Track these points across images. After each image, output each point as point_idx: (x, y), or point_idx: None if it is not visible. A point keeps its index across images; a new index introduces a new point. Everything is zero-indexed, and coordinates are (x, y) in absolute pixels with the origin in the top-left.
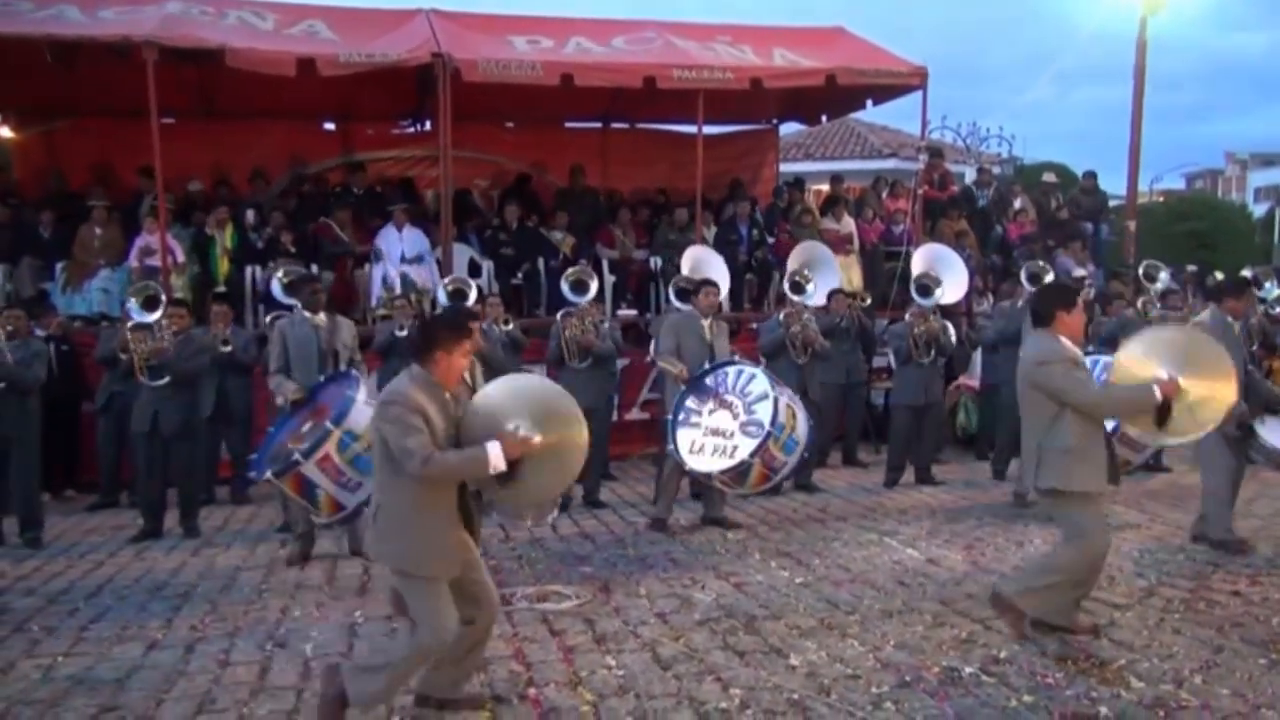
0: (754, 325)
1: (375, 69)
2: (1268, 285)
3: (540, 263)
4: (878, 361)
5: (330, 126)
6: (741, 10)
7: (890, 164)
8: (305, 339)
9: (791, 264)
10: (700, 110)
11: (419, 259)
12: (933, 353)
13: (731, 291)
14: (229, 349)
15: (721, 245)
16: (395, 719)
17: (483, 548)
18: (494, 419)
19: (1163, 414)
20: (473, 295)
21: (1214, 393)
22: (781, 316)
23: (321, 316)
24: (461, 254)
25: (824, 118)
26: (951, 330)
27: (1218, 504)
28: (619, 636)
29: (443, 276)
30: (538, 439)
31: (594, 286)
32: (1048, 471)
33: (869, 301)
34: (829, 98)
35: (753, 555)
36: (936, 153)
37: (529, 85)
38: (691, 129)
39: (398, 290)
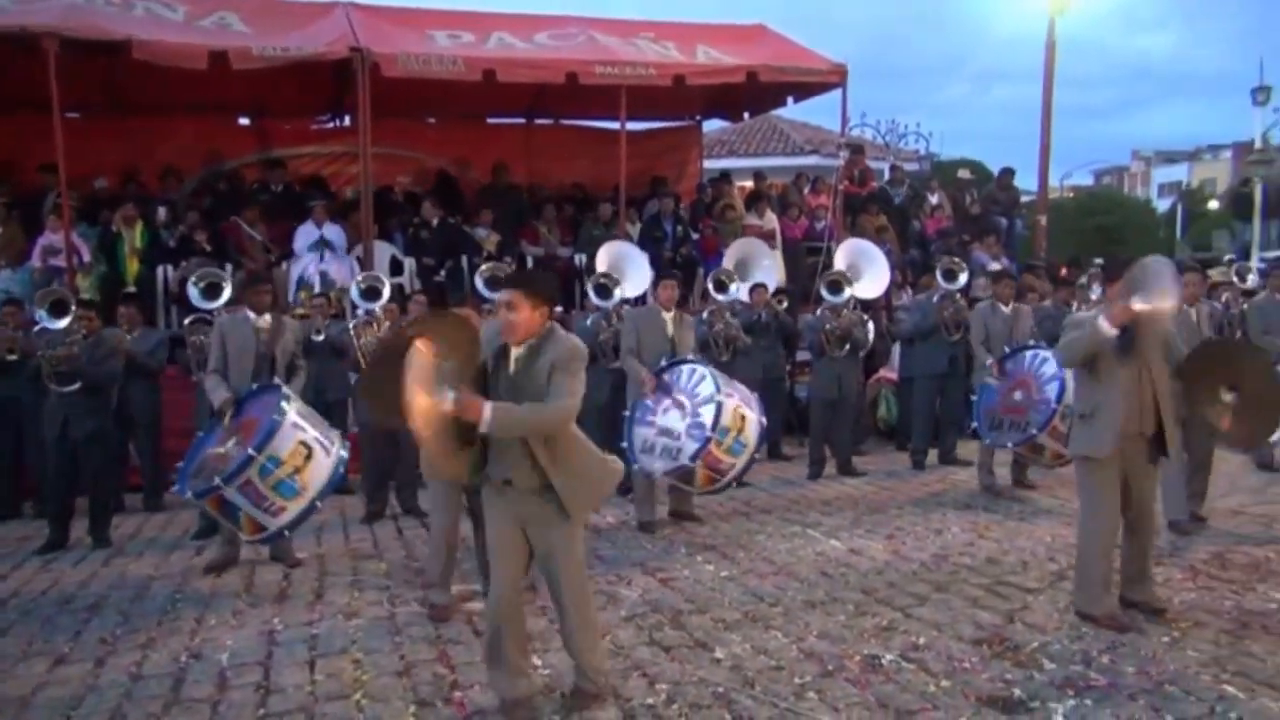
0: None
1: (291, 63)
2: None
3: (464, 260)
4: (802, 355)
5: (246, 122)
6: (664, 7)
7: (812, 160)
8: (245, 340)
9: (728, 261)
10: (623, 106)
11: (338, 257)
12: (846, 347)
13: (655, 288)
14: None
15: (646, 242)
16: None
17: (406, 549)
18: None
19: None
20: (386, 293)
21: None
22: (705, 315)
23: (266, 318)
24: (383, 252)
25: (747, 114)
26: (871, 324)
27: (1171, 486)
28: (545, 635)
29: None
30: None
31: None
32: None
33: (785, 303)
34: (751, 95)
35: (679, 550)
36: (857, 149)
37: (450, 81)
38: (615, 125)
39: (317, 289)
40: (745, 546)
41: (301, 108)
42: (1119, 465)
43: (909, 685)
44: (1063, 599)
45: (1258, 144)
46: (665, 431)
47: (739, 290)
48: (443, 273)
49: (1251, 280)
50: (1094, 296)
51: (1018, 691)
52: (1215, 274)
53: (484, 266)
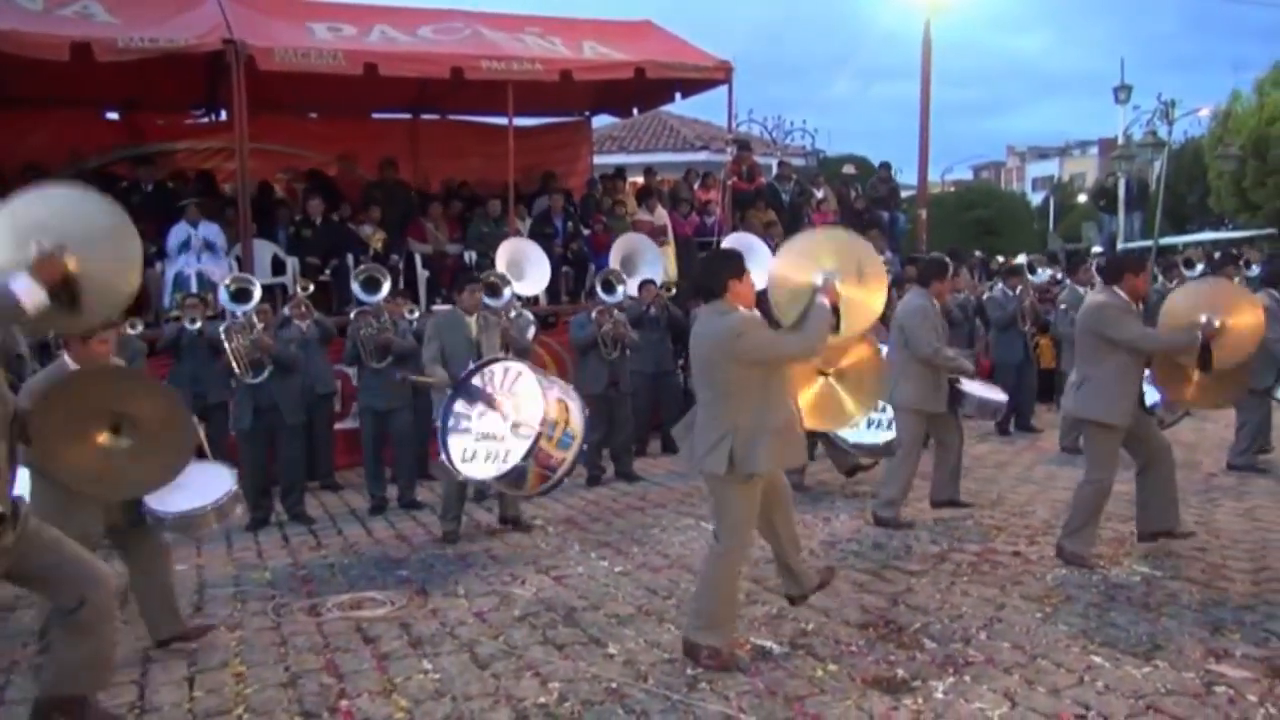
0: (569, 319)
1: (161, 55)
2: (1040, 270)
3: (349, 259)
4: None
5: (114, 116)
6: (550, 3)
7: (702, 156)
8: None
9: (613, 258)
10: (510, 102)
11: (215, 257)
12: None
13: (547, 285)
14: None
15: (536, 238)
16: None
17: (292, 556)
18: None
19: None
20: (257, 294)
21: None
22: (594, 314)
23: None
24: (264, 251)
25: (635, 110)
26: (759, 317)
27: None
28: (436, 639)
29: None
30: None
31: (387, 283)
32: None
33: (674, 292)
34: (639, 90)
35: (573, 547)
36: (744, 145)
37: (331, 75)
38: (503, 120)
39: (193, 289)
40: (639, 541)
41: (175, 101)
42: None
43: (797, 671)
44: (944, 580)
45: (1120, 140)
46: (487, 436)
47: (626, 290)
48: (327, 272)
49: (1042, 272)
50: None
51: (901, 672)
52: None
53: (360, 268)
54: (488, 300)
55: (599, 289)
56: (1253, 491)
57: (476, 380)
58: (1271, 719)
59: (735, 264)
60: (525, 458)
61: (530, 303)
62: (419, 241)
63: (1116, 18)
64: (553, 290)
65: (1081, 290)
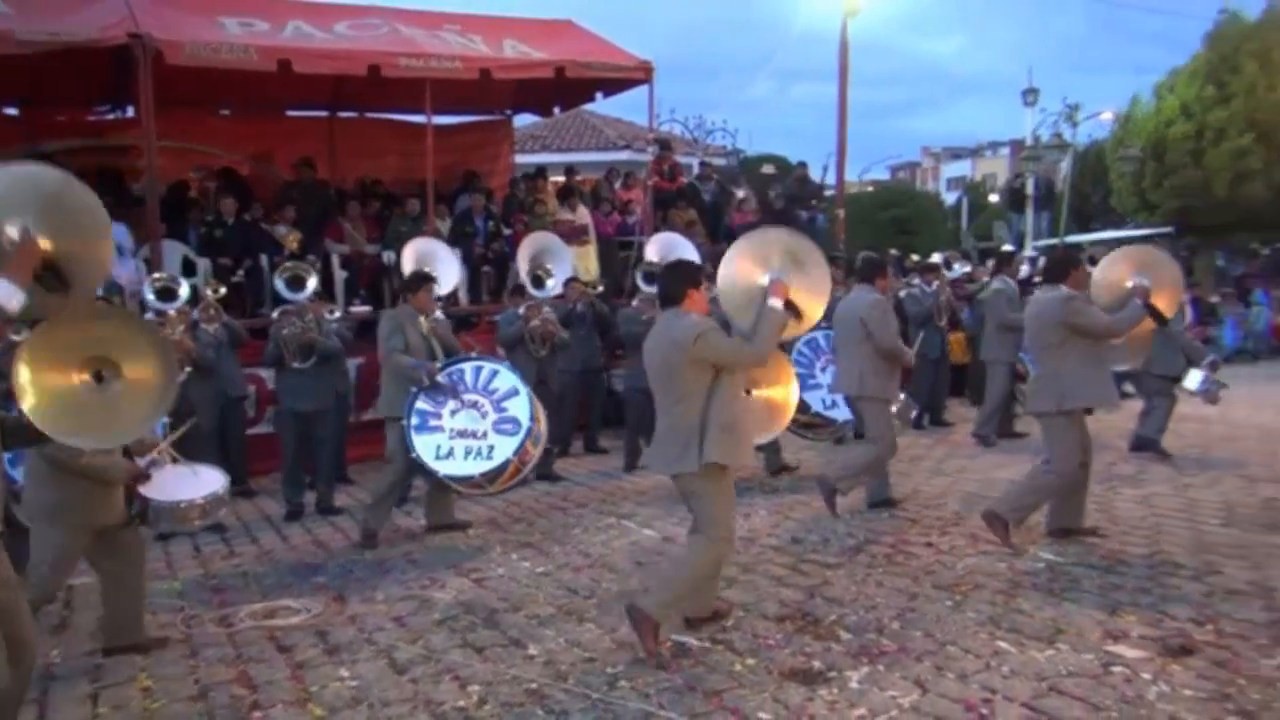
0: (495, 318)
1: (63, 49)
2: (956, 266)
3: (264, 260)
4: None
5: (13, 112)
6: (470, 1)
7: (624, 155)
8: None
9: (522, 257)
10: (429, 100)
11: (122, 258)
12: None
13: (469, 284)
14: None
15: (457, 237)
16: None
17: (204, 567)
18: None
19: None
20: (184, 293)
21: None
22: (522, 310)
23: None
24: (174, 251)
25: (557, 109)
26: None
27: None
28: (353, 646)
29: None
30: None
31: (313, 282)
32: None
33: (601, 289)
34: (560, 90)
35: (494, 549)
36: (665, 145)
37: (244, 71)
38: (423, 118)
39: (98, 291)
40: (560, 541)
41: (78, 97)
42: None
43: (716, 666)
44: (860, 572)
45: (1029, 142)
46: (464, 433)
47: (555, 285)
48: (240, 273)
49: (1024, 270)
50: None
51: (817, 663)
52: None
53: (284, 266)
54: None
55: (529, 284)
56: (1150, 479)
57: (443, 379)
58: (1164, 695)
59: (695, 274)
60: (515, 453)
61: (449, 302)
62: (336, 242)
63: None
64: (474, 290)
65: (1012, 283)
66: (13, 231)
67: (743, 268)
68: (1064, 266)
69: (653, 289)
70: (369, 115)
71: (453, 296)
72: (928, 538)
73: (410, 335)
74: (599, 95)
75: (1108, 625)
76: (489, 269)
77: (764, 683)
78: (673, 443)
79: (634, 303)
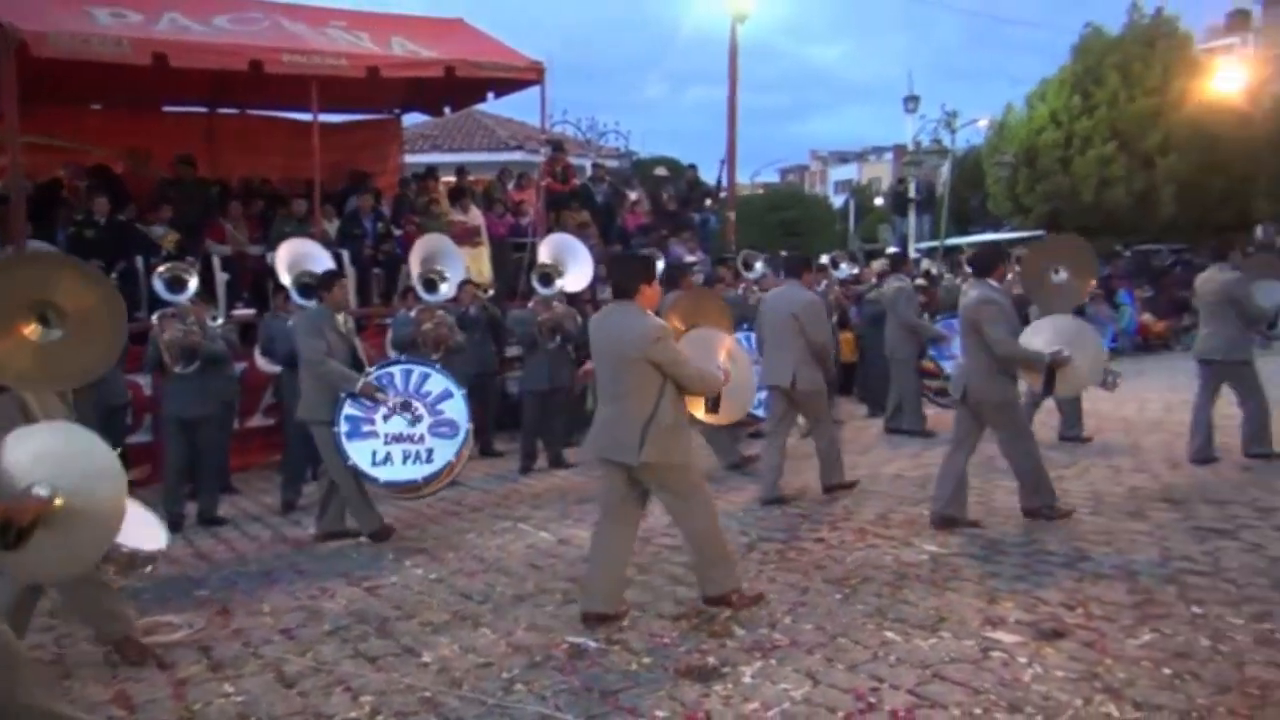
0: (386, 321)
1: None
2: (843, 267)
3: (138, 261)
4: (512, 351)
5: None
6: None
7: (517, 156)
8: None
9: (414, 260)
10: (315, 97)
11: None
12: (558, 339)
13: (359, 286)
14: None
15: (345, 239)
16: None
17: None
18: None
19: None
20: None
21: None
22: (414, 314)
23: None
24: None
25: (447, 109)
26: (578, 316)
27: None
28: (239, 660)
29: None
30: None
31: (194, 283)
32: None
33: (491, 292)
34: (450, 89)
35: (386, 556)
36: (558, 146)
37: (116, 64)
38: (307, 116)
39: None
40: (455, 546)
41: None
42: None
43: (613, 666)
44: (753, 569)
45: (910, 147)
46: (400, 438)
47: (449, 289)
48: (113, 275)
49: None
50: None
51: (712, 659)
52: (876, 265)
53: (163, 267)
54: (300, 300)
55: (420, 287)
56: None
57: (380, 382)
58: (1038, 677)
59: (649, 268)
60: (457, 454)
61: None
62: (217, 242)
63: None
64: (363, 292)
65: (907, 281)
66: (42, 491)
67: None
68: (991, 262)
69: (547, 290)
70: (251, 112)
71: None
72: (818, 533)
73: (329, 336)
74: (490, 95)
75: (987, 612)
76: (379, 271)
77: (660, 681)
78: (615, 432)
79: (529, 304)
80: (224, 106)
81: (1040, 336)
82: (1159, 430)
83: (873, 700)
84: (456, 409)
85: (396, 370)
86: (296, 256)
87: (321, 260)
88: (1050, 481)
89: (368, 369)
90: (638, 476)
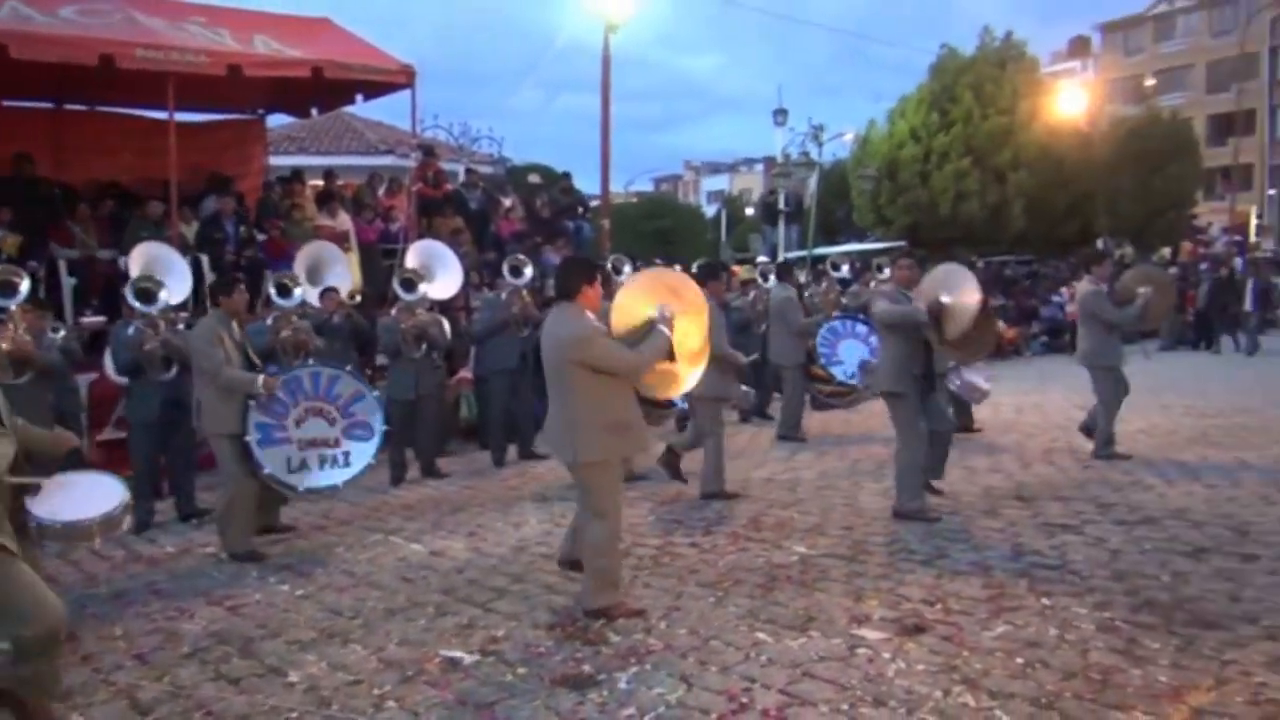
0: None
1: None
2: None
3: None
4: (380, 360)
5: None
6: None
7: (387, 160)
8: None
9: (299, 266)
10: (171, 95)
11: None
12: (423, 346)
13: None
14: None
15: (205, 243)
16: None
17: None
18: None
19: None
20: None
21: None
22: (270, 321)
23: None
24: None
25: (314, 110)
26: (447, 324)
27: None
28: (88, 688)
29: None
30: None
31: (24, 286)
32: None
33: (359, 299)
34: (317, 90)
35: (249, 574)
36: (429, 151)
37: None
38: (164, 114)
39: None
40: (323, 561)
41: None
42: (916, 397)
43: (487, 679)
44: (628, 575)
45: (780, 159)
46: (314, 443)
47: (304, 294)
48: None
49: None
50: None
51: (588, 667)
52: (743, 271)
53: None
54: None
55: (274, 294)
56: (888, 473)
57: (282, 391)
58: (901, 671)
59: (590, 270)
60: (376, 456)
61: (181, 309)
62: (63, 245)
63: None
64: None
65: (791, 290)
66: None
67: (640, 297)
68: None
69: (411, 296)
70: (101, 109)
71: (186, 305)
72: (692, 538)
73: (227, 343)
74: (359, 98)
75: (853, 610)
76: (241, 275)
77: (535, 691)
78: (558, 431)
79: (393, 312)
80: (72, 103)
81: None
82: (1011, 431)
83: (745, 700)
84: (369, 409)
85: (304, 374)
86: (150, 261)
87: (177, 266)
88: (920, 485)
89: (268, 366)
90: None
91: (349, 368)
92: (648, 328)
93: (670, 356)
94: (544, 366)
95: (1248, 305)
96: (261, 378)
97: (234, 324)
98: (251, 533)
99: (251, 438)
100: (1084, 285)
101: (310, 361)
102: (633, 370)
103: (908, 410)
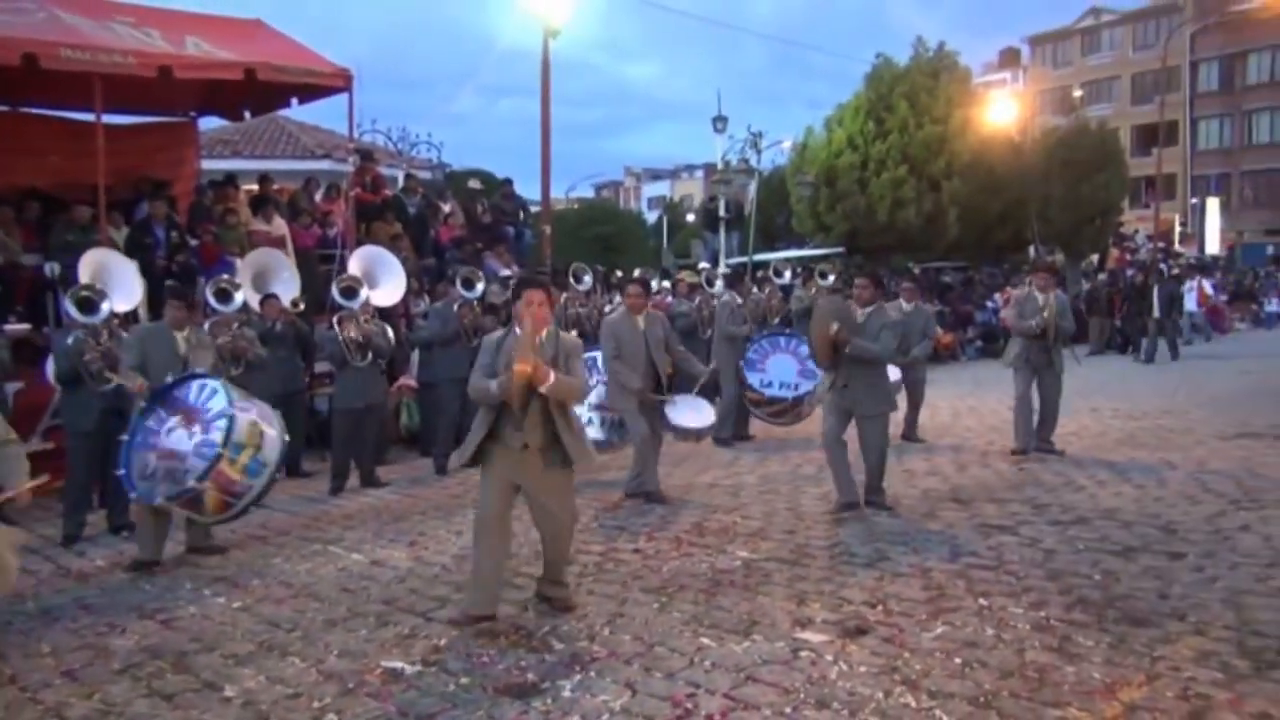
0: None
1: None
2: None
3: None
4: (321, 367)
5: None
6: None
7: (324, 165)
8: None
9: (243, 273)
10: (99, 96)
11: None
12: (369, 355)
13: (150, 299)
14: None
15: (135, 248)
16: None
17: None
18: None
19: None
20: None
21: None
22: (207, 326)
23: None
24: None
25: (247, 114)
26: (390, 331)
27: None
28: (13, 707)
29: None
30: None
31: None
32: None
33: (301, 308)
34: (250, 93)
35: (183, 586)
36: (367, 155)
37: None
38: (91, 116)
39: None
40: (260, 573)
41: None
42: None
43: (430, 689)
44: (572, 580)
45: (719, 165)
46: (169, 454)
47: (242, 300)
48: None
49: (719, 285)
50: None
51: (531, 675)
52: (688, 276)
53: None
54: (82, 317)
55: (212, 300)
56: (829, 478)
57: (177, 393)
58: (843, 673)
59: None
60: (201, 479)
61: (130, 319)
62: None
63: (714, 53)
64: (154, 306)
65: (738, 298)
66: None
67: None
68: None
69: (352, 303)
70: (24, 110)
71: (133, 315)
72: (635, 544)
73: (151, 352)
74: (294, 101)
75: (796, 614)
76: (173, 283)
77: (479, 701)
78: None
79: (334, 320)
80: None
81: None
82: (948, 434)
83: (689, 706)
84: (220, 429)
85: (194, 384)
86: (97, 269)
87: (122, 274)
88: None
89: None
90: None
91: (224, 382)
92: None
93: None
94: None
95: (1156, 312)
96: (140, 379)
97: (179, 336)
98: (157, 540)
99: (128, 437)
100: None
101: (200, 371)
102: (483, 399)
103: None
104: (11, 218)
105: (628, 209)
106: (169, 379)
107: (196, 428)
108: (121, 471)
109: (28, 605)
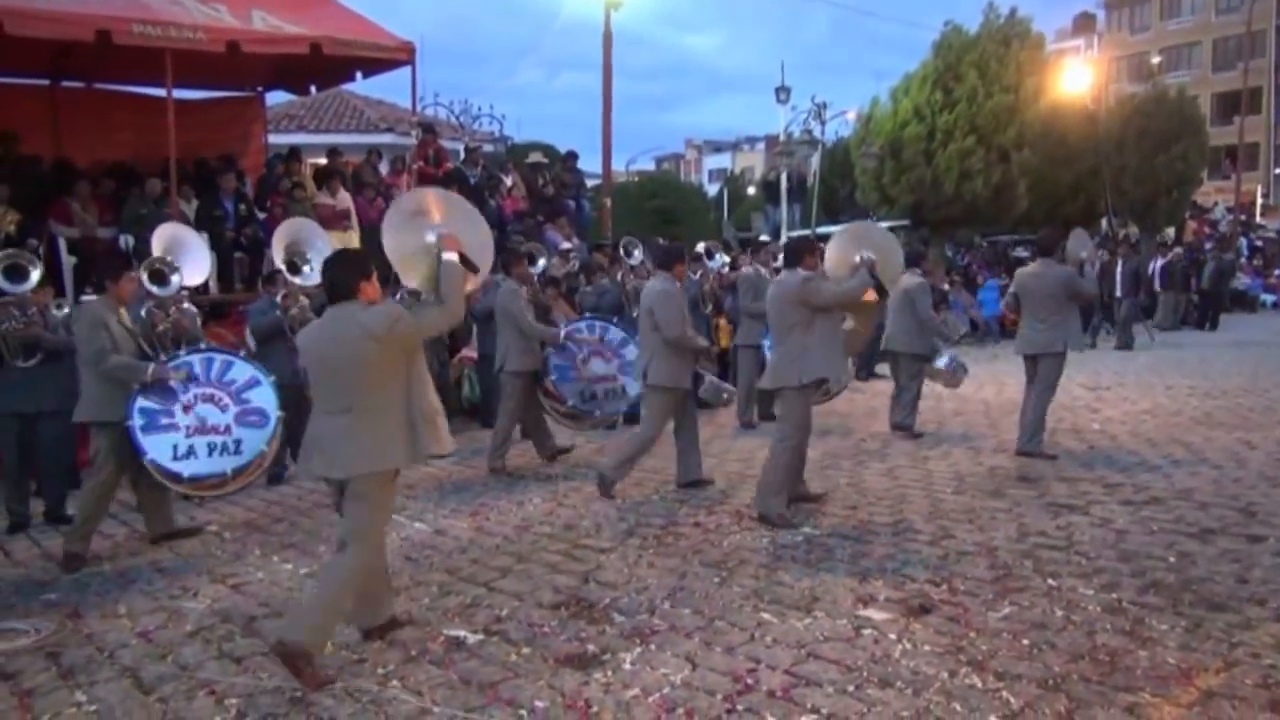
0: (244, 307)
1: None
2: (717, 256)
3: None
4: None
5: None
6: None
7: (387, 138)
8: None
9: (276, 245)
10: (169, 72)
11: None
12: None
13: (220, 271)
14: None
15: (204, 221)
16: None
17: None
18: None
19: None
20: None
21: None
22: (280, 298)
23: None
24: None
25: (313, 88)
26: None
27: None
28: (91, 667)
29: None
30: None
31: (36, 272)
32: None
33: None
34: (316, 67)
35: (252, 552)
36: (429, 129)
37: None
38: (162, 92)
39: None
40: (326, 540)
41: None
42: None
43: (491, 658)
44: (632, 555)
45: (782, 137)
46: (203, 429)
47: (311, 274)
48: None
49: (719, 259)
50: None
51: (592, 647)
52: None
53: (3, 254)
54: (154, 288)
55: (284, 269)
56: (893, 454)
57: (169, 376)
58: (907, 652)
59: (363, 265)
60: (268, 444)
61: (199, 291)
62: (63, 223)
63: (777, 23)
64: (225, 277)
65: (763, 271)
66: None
67: (406, 232)
68: (799, 252)
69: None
70: (99, 86)
71: (203, 286)
72: (696, 517)
73: (114, 329)
74: (359, 75)
75: (858, 591)
76: (241, 255)
77: (540, 671)
78: (354, 444)
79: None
80: (69, 80)
81: (841, 258)
82: (1017, 412)
83: (750, 681)
84: (264, 397)
85: (196, 359)
86: (169, 242)
87: (195, 247)
88: (785, 494)
89: (163, 355)
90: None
91: (241, 353)
92: (435, 259)
93: (474, 269)
94: (325, 378)
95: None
96: (151, 366)
97: (121, 310)
98: (90, 534)
99: (135, 422)
100: (1045, 268)
101: (202, 346)
102: (452, 318)
103: (796, 407)
104: (88, 192)
105: (688, 181)
106: (167, 361)
107: (225, 399)
108: (149, 457)
109: (104, 568)
